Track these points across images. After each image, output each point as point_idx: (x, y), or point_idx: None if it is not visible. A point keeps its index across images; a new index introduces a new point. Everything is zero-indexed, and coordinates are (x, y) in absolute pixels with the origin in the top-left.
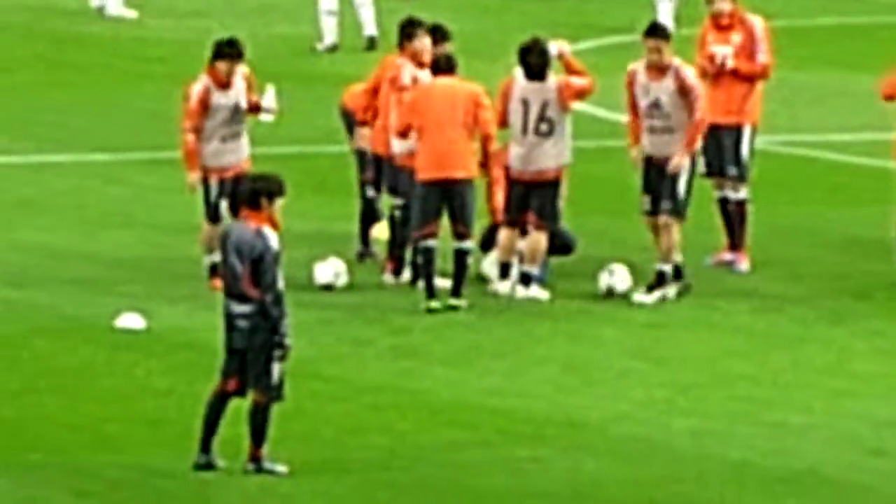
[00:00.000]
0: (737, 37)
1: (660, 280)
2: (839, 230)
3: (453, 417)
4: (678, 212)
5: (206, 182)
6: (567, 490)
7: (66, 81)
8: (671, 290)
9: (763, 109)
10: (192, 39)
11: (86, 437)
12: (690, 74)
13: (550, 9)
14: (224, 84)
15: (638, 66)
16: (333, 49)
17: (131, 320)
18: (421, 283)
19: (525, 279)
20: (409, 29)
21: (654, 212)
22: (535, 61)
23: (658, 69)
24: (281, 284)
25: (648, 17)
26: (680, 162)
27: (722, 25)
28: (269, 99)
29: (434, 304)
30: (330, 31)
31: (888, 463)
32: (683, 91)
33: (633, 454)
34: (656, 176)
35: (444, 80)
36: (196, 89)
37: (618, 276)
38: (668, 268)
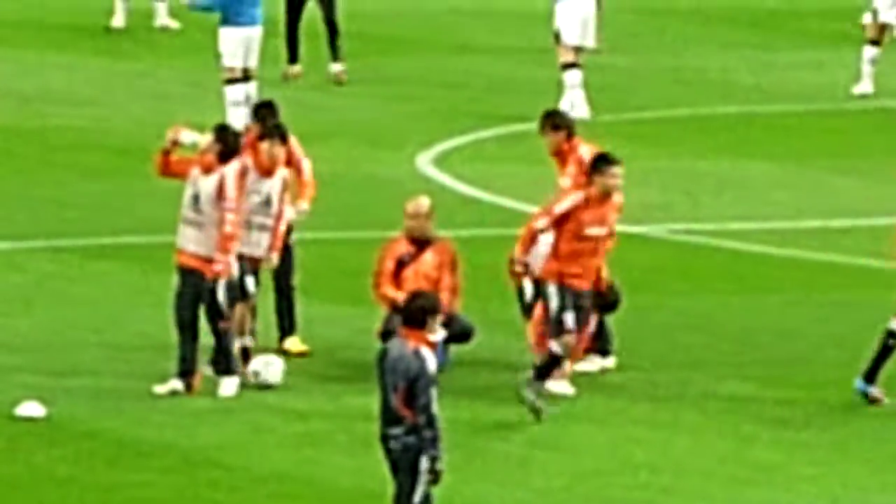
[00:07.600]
0: None
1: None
2: (739, 319)
3: None
4: None
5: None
6: None
7: None
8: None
9: (664, 199)
10: (90, 127)
11: None
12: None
13: (453, 98)
14: (266, 171)
15: None
16: None
17: (31, 408)
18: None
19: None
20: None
21: None
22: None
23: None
24: (435, 407)
25: (547, 106)
26: None
27: None
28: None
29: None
30: (238, 123)
31: None
32: None
33: None
34: None
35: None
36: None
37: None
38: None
